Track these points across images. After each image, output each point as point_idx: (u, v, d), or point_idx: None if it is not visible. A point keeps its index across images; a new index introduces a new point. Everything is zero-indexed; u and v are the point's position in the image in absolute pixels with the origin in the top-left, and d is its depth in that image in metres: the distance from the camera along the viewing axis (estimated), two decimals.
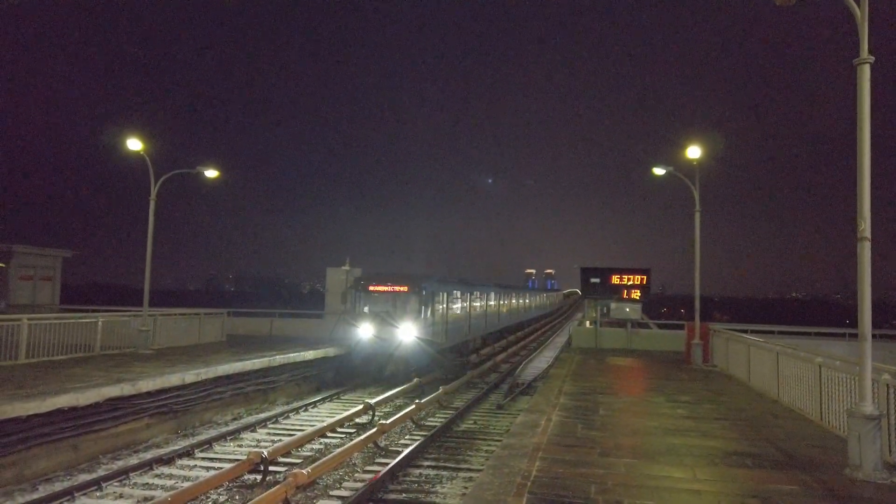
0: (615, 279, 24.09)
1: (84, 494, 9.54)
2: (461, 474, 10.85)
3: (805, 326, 34.03)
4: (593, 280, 24.43)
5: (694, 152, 19.09)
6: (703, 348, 20.31)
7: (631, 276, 24.03)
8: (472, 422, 15.52)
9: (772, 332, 28.70)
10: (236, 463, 10.59)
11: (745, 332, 21.62)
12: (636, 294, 24.21)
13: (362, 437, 12.46)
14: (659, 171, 20.46)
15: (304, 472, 9.59)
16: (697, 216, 20.04)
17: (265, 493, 8.82)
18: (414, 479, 10.61)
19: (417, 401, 16.15)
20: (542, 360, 29.18)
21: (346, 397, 18.97)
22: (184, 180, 20.64)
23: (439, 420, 15.41)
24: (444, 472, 10.94)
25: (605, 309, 26.43)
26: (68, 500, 9.29)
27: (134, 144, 18.70)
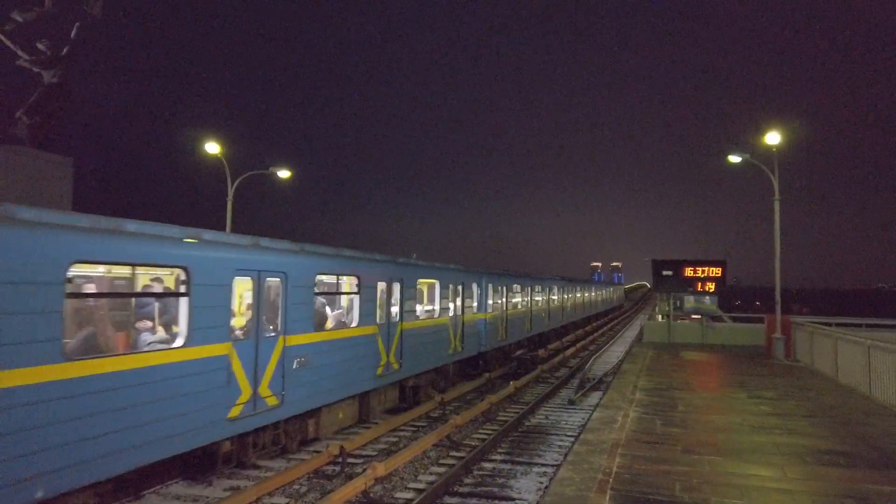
0: (689, 271, 23.38)
1: (171, 485, 10.00)
2: (535, 469, 10.81)
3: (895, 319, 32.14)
4: (665, 273, 23.79)
5: (773, 138, 18.33)
6: (786, 342, 19.51)
7: (705, 269, 23.27)
8: (542, 416, 15.43)
9: (859, 325, 27.26)
10: (316, 455, 10.89)
11: (829, 324, 20.62)
12: (711, 286, 23.44)
13: (435, 431, 12.60)
14: (734, 158, 19.73)
15: (381, 464, 9.79)
16: (777, 205, 19.24)
17: (346, 485, 9.04)
18: (488, 472, 10.65)
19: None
20: (612, 355, 28.69)
21: None
22: (260, 180, 21.33)
23: (510, 415, 15.39)
24: (519, 467, 10.92)
25: (678, 302, 25.75)
26: (163, 488, 9.77)
27: (212, 148, 19.47)
